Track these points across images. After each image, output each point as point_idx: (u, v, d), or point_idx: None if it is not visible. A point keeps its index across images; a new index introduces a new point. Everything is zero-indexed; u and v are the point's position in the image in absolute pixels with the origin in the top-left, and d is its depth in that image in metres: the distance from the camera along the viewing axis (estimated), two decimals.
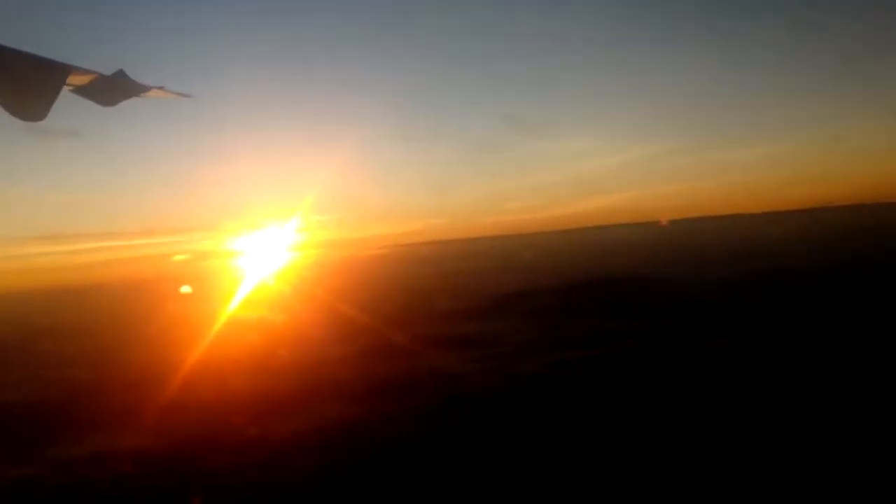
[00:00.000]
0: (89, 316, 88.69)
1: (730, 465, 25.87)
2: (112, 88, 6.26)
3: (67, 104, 5.99)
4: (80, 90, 6.13)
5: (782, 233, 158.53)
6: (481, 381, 40.24)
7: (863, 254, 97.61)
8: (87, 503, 28.27)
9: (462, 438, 32.73)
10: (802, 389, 33.58)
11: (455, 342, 54.09)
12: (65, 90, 5.81)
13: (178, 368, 49.68)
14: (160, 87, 6.60)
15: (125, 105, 6.42)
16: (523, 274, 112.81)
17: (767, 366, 38.11)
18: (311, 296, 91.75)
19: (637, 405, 33.01)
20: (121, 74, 6.28)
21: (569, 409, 33.55)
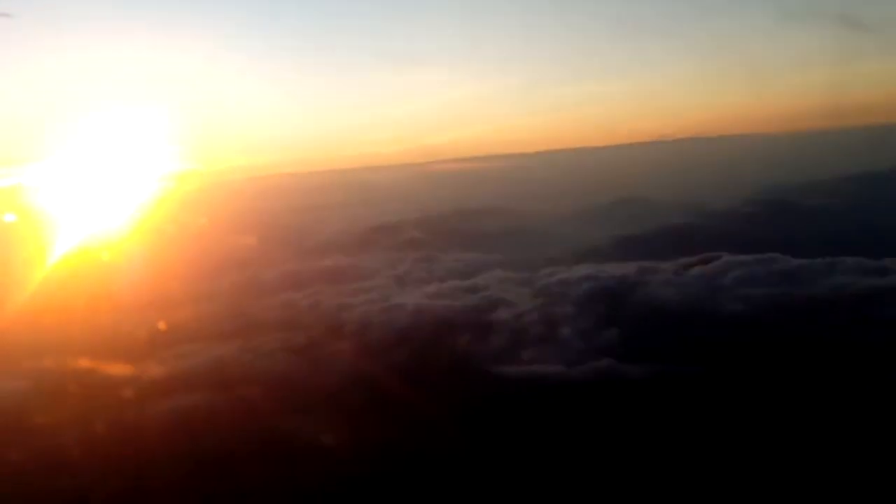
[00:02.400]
0: None
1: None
2: None
3: None
4: None
5: (629, 165, 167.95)
6: (363, 313, 39.97)
7: (701, 184, 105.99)
8: None
9: (349, 369, 32.67)
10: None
11: (328, 275, 53.11)
12: None
13: (26, 307, 46.01)
14: None
15: None
16: (385, 207, 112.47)
17: (633, 286, 40.66)
18: (167, 229, 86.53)
19: (523, 330, 34.47)
20: None
21: (456, 337, 34.50)
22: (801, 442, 22.56)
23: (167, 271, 58.61)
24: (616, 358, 30.18)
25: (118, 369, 35.03)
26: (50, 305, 46.33)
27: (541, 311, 36.58)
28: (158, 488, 22.99)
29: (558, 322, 35.05)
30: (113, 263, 61.07)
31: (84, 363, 36.42)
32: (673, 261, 45.17)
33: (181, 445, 25.86)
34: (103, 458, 25.38)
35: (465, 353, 32.89)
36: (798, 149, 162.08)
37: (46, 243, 64.47)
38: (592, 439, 24.12)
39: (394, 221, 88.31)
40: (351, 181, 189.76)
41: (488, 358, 32.02)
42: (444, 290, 43.22)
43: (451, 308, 38.93)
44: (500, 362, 31.36)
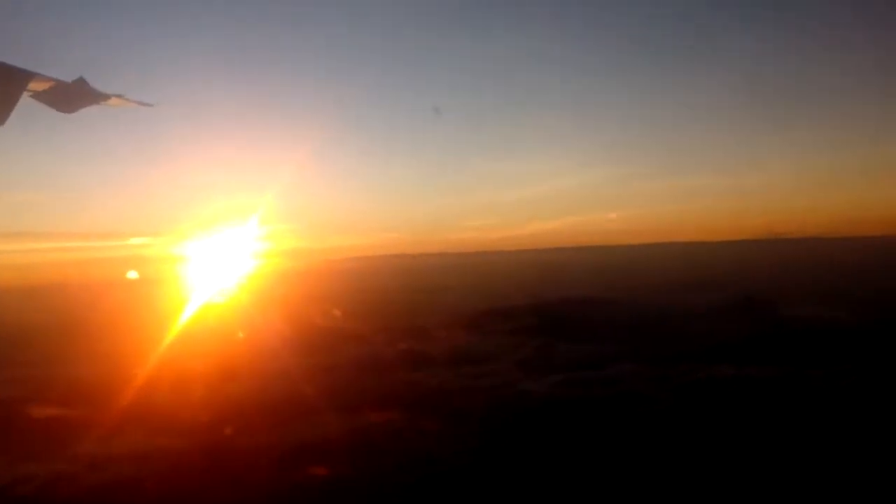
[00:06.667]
0: (53, 316, 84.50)
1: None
2: (72, 96, 6.41)
3: (27, 110, 6.16)
4: (41, 96, 6.25)
5: (744, 261, 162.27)
6: (490, 397, 39.08)
7: (828, 286, 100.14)
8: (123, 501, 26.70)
9: (483, 453, 31.51)
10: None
11: (448, 357, 52.85)
12: (25, 96, 5.97)
13: (160, 373, 47.26)
14: (119, 96, 6.77)
15: (84, 111, 6.60)
16: (494, 291, 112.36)
17: (767, 391, 38.08)
18: (279, 305, 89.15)
19: (670, 430, 32.48)
20: (81, 82, 6.42)
21: (589, 431, 32.85)
22: None
23: (282, 345, 59.48)
24: None
25: (253, 438, 35.17)
26: (172, 370, 47.54)
27: (686, 411, 34.57)
28: None
29: (708, 424, 32.90)
30: (227, 335, 62.60)
31: (224, 433, 36.75)
32: (818, 368, 42.26)
33: None
34: None
35: (607, 448, 31.21)
36: None
37: (166, 308, 67.21)
38: None
39: (505, 306, 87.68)
40: (458, 265, 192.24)
41: (635, 456, 30.23)
42: (574, 380, 41.83)
43: (586, 399, 37.47)
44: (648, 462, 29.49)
